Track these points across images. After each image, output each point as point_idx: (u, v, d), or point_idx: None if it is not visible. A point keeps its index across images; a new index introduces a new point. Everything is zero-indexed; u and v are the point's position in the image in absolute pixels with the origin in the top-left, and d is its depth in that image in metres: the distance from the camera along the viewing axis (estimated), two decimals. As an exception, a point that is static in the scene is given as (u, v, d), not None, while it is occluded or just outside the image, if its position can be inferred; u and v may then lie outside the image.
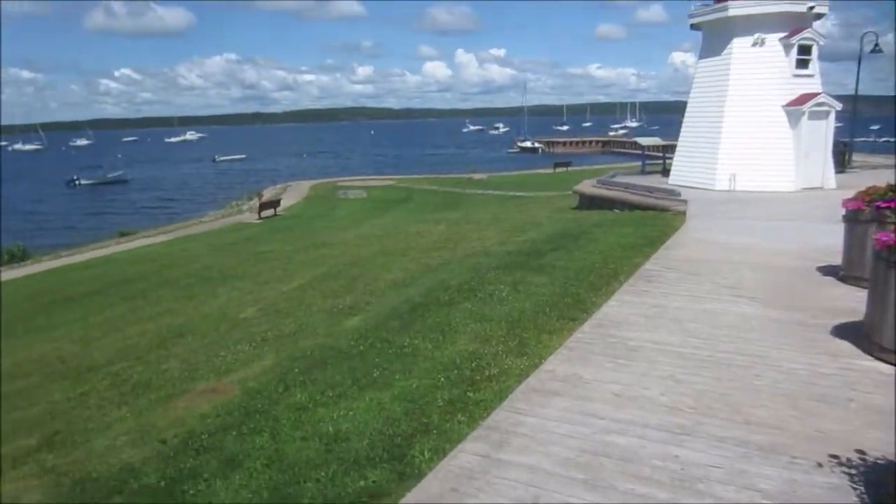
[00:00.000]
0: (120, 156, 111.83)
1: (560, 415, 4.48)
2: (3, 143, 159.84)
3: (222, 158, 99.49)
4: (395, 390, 5.18)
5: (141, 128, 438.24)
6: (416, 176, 51.26)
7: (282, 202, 34.08)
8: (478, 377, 5.26)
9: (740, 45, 19.15)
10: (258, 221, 29.81)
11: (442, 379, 5.29)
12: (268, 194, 38.85)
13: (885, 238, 5.34)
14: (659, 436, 4.15)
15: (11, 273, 21.14)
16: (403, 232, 18.16)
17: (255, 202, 34.07)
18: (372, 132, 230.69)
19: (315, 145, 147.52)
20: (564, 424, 4.34)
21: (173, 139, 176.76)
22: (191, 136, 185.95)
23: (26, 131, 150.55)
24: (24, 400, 7.60)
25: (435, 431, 4.41)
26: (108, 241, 27.40)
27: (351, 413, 4.85)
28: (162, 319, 11.24)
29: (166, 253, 22.06)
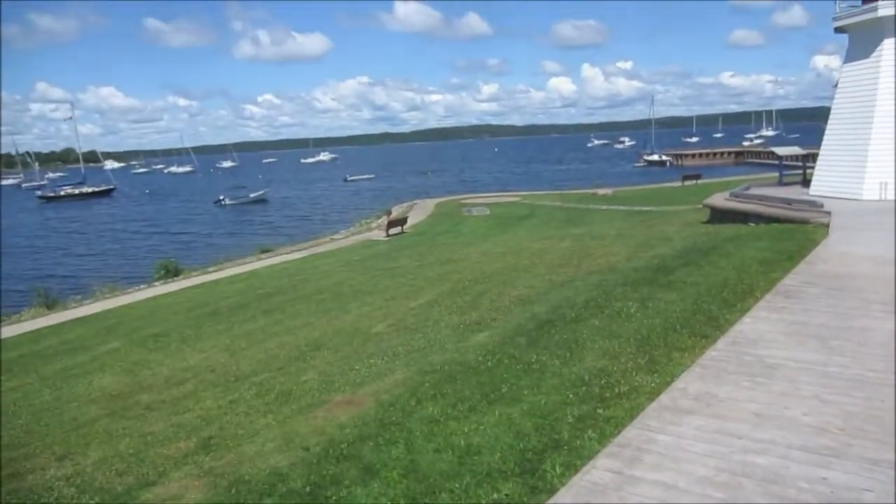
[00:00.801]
0: (260, 176, 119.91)
1: (694, 433, 4.41)
2: (160, 166, 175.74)
3: (353, 178, 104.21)
4: (524, 405, 5.28)
5: (279, 149, 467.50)
6: (539, 192, 51.16)
7: (408, 220, 35.21)
8: (607, 394, 5.25)
9: (891, 48, 17.77)
10: (386, 239, 30.98)
11: (571, 395, 5.33)
12: (395, 212, 40.29)
13: None
14: (804, 457, 3.99)
15: (166, 287, 23.23)
16: (527, 248, 18.25)
17: (384, 220, 35.44)
18: (496, 149, 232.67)
19: (440, 163, 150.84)
20: (699, 443, 4.27)
21: (308, 160, 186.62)
22: (324, 156, 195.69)
23: (180, 154, 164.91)
24: (180, 406, 8.34)
25: (565, 447, 4.45)
26: (250, 257, 29.44)
27: (481, 427, 4.97)
28: (300, 332, 12.00)
29: (301, 269, 23.42)
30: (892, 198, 17.29)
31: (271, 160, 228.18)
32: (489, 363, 6.74)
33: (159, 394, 9.20)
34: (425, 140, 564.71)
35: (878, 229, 12.96)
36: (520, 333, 7.86)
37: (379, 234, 32.57)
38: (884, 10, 17.56)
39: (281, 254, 29.44)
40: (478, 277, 14.47)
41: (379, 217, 39.39)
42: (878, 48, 18.06)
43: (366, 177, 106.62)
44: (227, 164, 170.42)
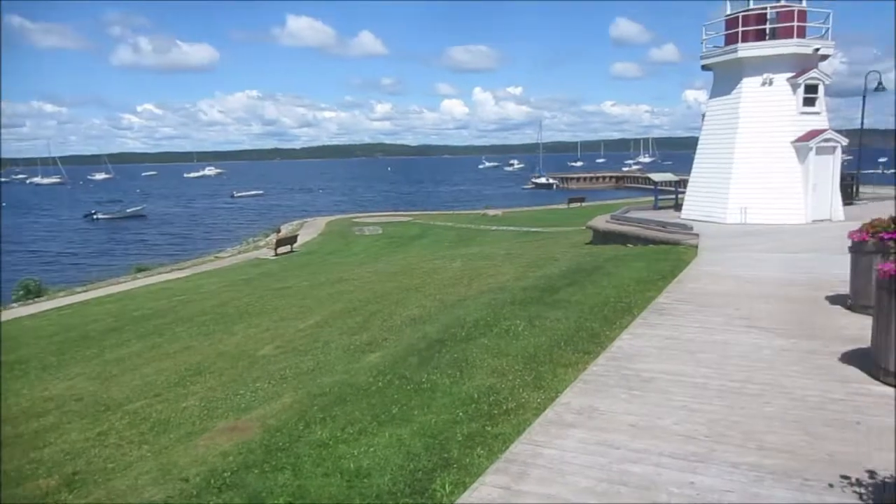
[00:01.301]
0: (138, 190, 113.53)
1: (577, 446, 4.59)
2: (22, 176, 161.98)
3: (240, 194, 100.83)
4: (414, 426, 5.30)
5: (161, 162, 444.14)
6: (431, 212, 51.72)
7: (298, 238, 34.52)
8: (496, 411, 5.38)
9: (749, 85, 19.51)
10: (275, 258, 30.20)
11: (461, 414, 5.41)
12: (285, 230, 39.40)
13: (887, 268, 5.50)
14: (674, 463, 4.26)
15: (27, 309, 21.30)
16: (419, 268, 18.37)
17: (273, 238, 34.55)
18: (389, 168, 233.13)
19: (332, 181, 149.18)
20: (582, 455, 4.45)
21: (192, 174, 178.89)
22: (210, 171, 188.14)
23: (46, 164, 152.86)
24: (40, 440, 7.69)
25: (455, 466, 4.51)
26: (125, 277, 27.78)
27: (372, 449, 4.96)
28: (180, 357, 11.44)
29: (183, 289, 22.33)
30: (751, 221, 18.90)
31: (151, 173, 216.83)
32: (380, 384, 6.72)
33: (15, 427, 8.43)
34: (317, 157, 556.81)
35: (739, 250, 14.11)
36: (411, 353, 7.88)
37: (267, 253, 31.69)
38: (743, 52, 19.26)
39: (160, 273, 27.97)
40: (369, 297, 14.40)
41: (267, 235, 38.39)
42: (739, 85, 19.75)
43: (254, 193, 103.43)
44: (101, 176, 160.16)
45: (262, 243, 36.24)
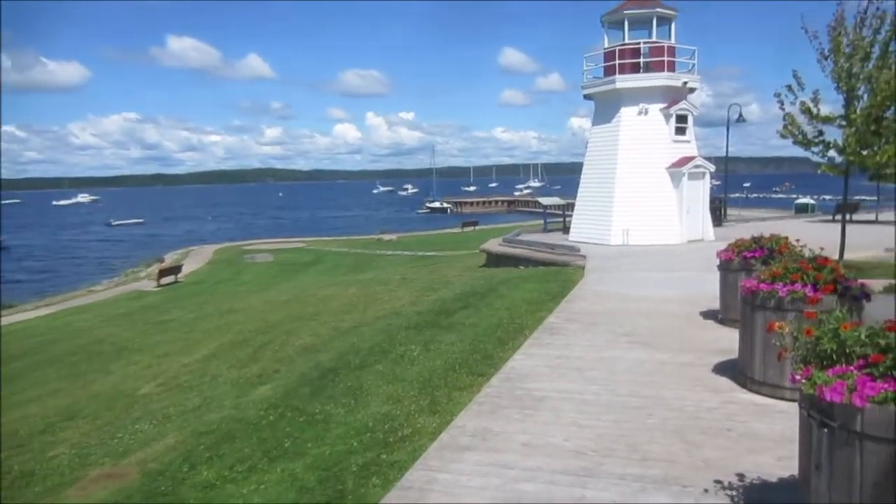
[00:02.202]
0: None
1: (472, 468, 4.62)
2: None
3: (118, 222, 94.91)
4: (308, 459, 5.16)
5: (25, 189, 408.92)
6: (325, 238, 50.98)
7: (183, 268, 32.98)
8: (391, 439, 5.33)
9: (627, 114, 20.75)
10: (157, 289, 28.67)
11: (355, 443, 5.32)
12: (169, 260, 37.52)
13: (749, 284, 5.99)
14: (566, 479, 4.37)
15: None
16: (313, 295, 18.02)
17: (155, 269, 32.80)
18: (280, 194, 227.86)
19: (221, 208, 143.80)
20: (476, 477, 4.48)
21: (62, 202, 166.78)
22: (83, 198, 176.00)
23: None
24: None
25: (350, 497, 4.42)
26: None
27: (262, 487, 4.78)
28: (47, 401, 10.61)
29: (50, 327, 20.76)
30: (633, 242, 19.98)
31: (14, 201, 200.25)
32: (271, 417, 6.50)
33: None
34: (204, 182, 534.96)
35: (622, 270, 14.85)
36: (304, 384, 7.69)
37: (149, 285, 30.03)
38: (620, 83, 20.50)
39: (25, 310, 25.79)
40: (260, 327, 13.96)
41: (150, 265, 36.40)
42: (618, 114, 20.96)
43: (134, 221, 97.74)
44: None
45: (143, 274, 34.31)
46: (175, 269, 31.57)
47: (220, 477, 5.12)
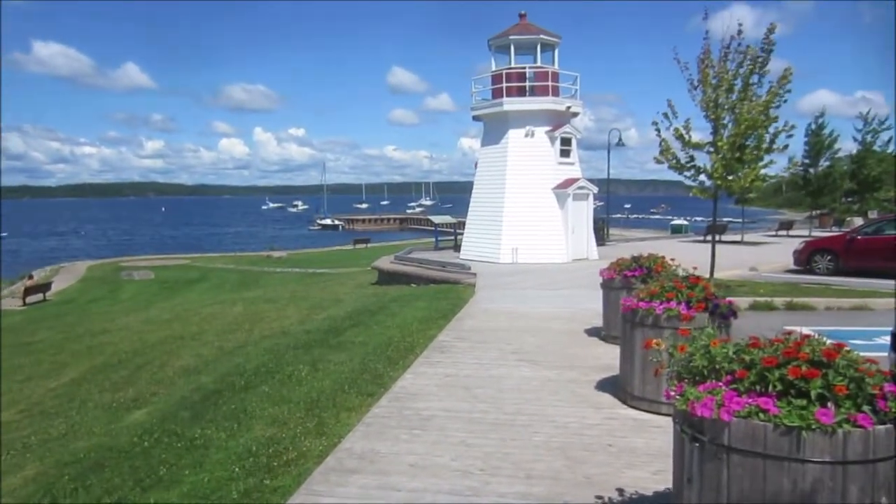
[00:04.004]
0: None
1: (358, 492, 4.51)
2: None
3: None
4: (184, 487, 4.86)
5: None
6: (211, 254, 48.91)
7: (53, 285, 30.54)
8: (275, 463, 5.12)
9: (515, 136, 21.39)
10: (22, 308, 26.36)
11: (237, 469, 5.07)
12: (37, 277, 34.62)
13: (628, 303, 6.28)
14: (452, 500, 4.35)
15: None
16: (196, 314, 17.19)
17: (20, 286, 30.16)
18: (163, 209, 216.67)
19: (97, 222, 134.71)
20: (363, 501, 4.38)
21: None
22: None
23: None
24: None
25: (229, 526, 4.22)
26: None
27: (132, 519, 4.48)
28: None
29: None
30: (521, 260, 20.54)
31: None
32: (145, 444, 6.09)
33: None
34: (78, 196, 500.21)
35: (511, 288, 15.21)
36: (183, 407, 7.28)
37: (13, 304, 27.57)
38: (507, 106, 21.14)
39: None
40: (137, 349, 13.14)
41: (13, 283, 33.42)
42: (505, 136, 21.57)
43: None
44: None
45: (5, 293, 31.43)
46: (43, 287, 29.18)
47: (85, 512, 4.73)
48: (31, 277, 33.21)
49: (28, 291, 27.90)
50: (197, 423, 6.42)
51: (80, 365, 12.49)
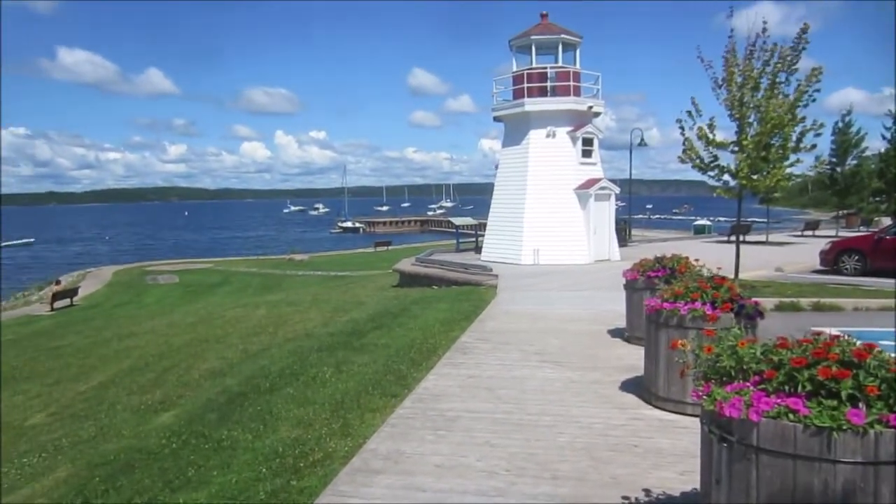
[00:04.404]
0: None
1: (384, 492, 4.54)
2: None
3: (5, 244, 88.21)
4: (212, 488, 4.93)
5: None
6: (233, 258, 49.40)
7: (80, 290, 31.04)
8: (301, 464, 5.17)
9: (536, 137, 21.34)
10: (50, 313, 26.84)
11: (264, 470, 5.13)
12: (65, 282, 35.21)
13: (652, 303, 6.23)
14: (478, 500, 4.36)
15: None
16: (220, 317, 17.39)
17: (48, 291, 30.69)
18: (186, 213, 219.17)
19: (121, 227, 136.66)
20: (389, 501, 4.41)
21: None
22: None
23: None
24: None
25: (256, 526, 4.27)
26: None
27: (162, 519, 4.55)
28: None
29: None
30: (543, 262, 20.48)
31: None
32: (174, 446, 6.19)
33: None
34: (103, 201, 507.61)
35: (533, 290, 15.17)
36: (210, 409, 7.38)
37: (41, 309, 28.06)
38: (529, 106, 21.11)
39: None
40: (163, 352, 13.33)
41: (42, 288, 34.02)
42: (526, 137, 21.54)
43: (23, 241, 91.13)
44: None
45: (34, 298, 32.00)
46: (71, 292, 29.65)
47: (116, 512, 4.81)
48: (58, 283, 33.76)
49: (56, 297, 28.38)
50: (223, 425, 6.51)
51: (108, 368, 12.70)
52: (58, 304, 27.98)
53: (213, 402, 7.80)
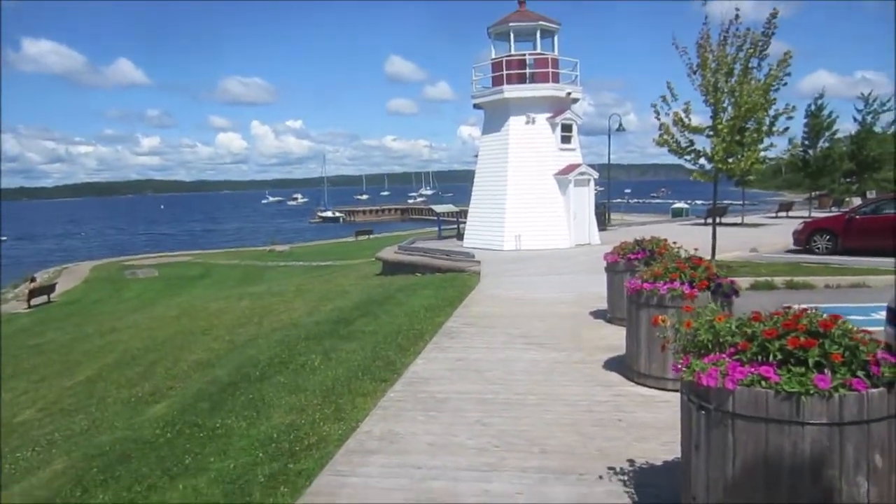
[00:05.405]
0: None
1: (380, 471, 4.71)
2: None
3: None
4: (211, 474, 5.05)
5: None
6: (213, 250, 49.09)
7: (57, 287, 30.75)
8: (297, 448, 5.31)
9: (516, 123, 21.50)
10: (28, 311, 26.60)
11: (260, 455, 5.27)
12: (40, 279, 34.82)
13: (633, 284, 6.46)
14: (470, 475, 4.55)
15: None
16: (203, 310, 17.39)
17: (24, 289, 30.37)
18: (162, 206, 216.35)
19: (96, 222, 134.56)
20: (386, 479, 4.58)
21: None
22: None
23: None
24: None
25: (259, 507, 4.40)
26: None
27: (165, 504, 4.67)
28: None
29: None
30: (525, 247, 20.71)
31: None
32: (169, 435, 6.30)
33: None
34: (75, 196, 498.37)
35: (515, 275, 15.39)
36: (202, 399, 7.48)
37: (18, 306, 27.78)
38: (508, 93, 21.23)
39: None
40: (149, 345, 13.35)
41: (17, 286, 33.60)
42: (506, 124, 21.68)
43: None
44: None
45: (10, 296, 31.64)
46: (48, 289, 29.37)
47: (118, 498, 4.94)
48: (33, 280, 33.39)
49: (32, 294, 28.10)
50: (217, 414, 6.63)
51: (93, 363, 12.70)
52: (35, 301, 27.72)
53: (204, 391, 7.90)
